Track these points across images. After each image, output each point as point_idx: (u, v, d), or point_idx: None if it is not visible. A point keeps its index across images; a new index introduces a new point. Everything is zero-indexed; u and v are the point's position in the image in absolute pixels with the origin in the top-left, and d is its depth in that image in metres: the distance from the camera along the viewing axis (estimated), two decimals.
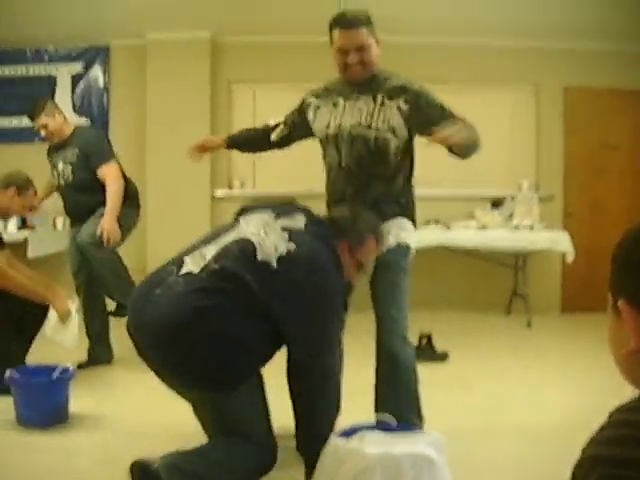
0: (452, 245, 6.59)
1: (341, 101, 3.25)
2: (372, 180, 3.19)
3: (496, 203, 7.19)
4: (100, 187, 4.86)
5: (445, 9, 6.51)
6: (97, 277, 4.90)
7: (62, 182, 5.02)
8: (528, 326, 6.72)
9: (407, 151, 3.27)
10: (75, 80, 7.51)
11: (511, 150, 7.53)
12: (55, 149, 5.08)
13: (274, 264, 2.61)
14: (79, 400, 4.01)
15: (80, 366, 4.70)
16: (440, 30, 7.03)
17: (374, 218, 3.01)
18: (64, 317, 4.10)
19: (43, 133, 5.05)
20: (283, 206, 2.93)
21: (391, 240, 3.17)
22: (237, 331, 2.59)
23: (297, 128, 3.48)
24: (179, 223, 6.84)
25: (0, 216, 4.89)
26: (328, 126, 3.25)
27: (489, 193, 7.31)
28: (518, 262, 7.35)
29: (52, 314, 4.13)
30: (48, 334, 4.14)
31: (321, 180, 3.44)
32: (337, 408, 2.79)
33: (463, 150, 3.08)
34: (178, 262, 2.72)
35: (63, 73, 7.59)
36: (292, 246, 2.66)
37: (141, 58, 7.39)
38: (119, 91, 7.61)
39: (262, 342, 2.68)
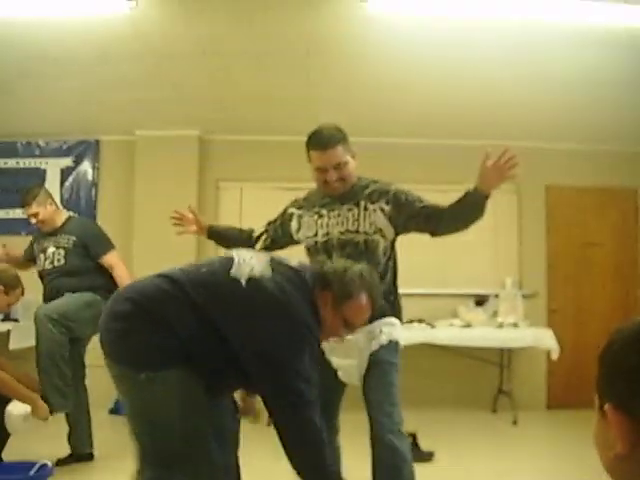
0: (436, 343, 6.58)
1: (324, 212, 3.34)
2: None
3: (480, 301, 7.23)
4: (89, 272, 4.94)
5: (428, 109, 6.66)
6: (37, 355, 4.69)
7: (49, 266, 4.98)
8: (514, 424, 6.66)
9: (392, 252, 3.35)
10: (64, 174, 7.60)
11: (494, 248, 7.61)
12: (45, 235, 5.08)
13: (243, 282, 2.55)
14: None
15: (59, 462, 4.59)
16: (423, 131, 7.20)
17: (370, 276, 2.82)
18: (43, 418, 4.14)
19: (33, 221, 5.07)
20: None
21: (383, 338, 3.20)
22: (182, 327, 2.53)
23: (279, 240, 3.59)
24: None
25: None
26: (316, 234, 3.34)
27: (473, 291, 7.35)
28: (503, 359, 7.34)
29: (12, 408, 4.13)
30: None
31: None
32: (316, 443, 2.62)
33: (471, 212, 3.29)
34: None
35: (53, 166, 7.68)
36: (268, 274, 2.59)
37: (130, 153, 7.50)
38: (107, 185, 7.70)
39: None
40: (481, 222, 7.60)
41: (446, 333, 6.72)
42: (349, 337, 3.19)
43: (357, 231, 3.25)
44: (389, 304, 3.29)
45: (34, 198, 5.02)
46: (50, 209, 5.07)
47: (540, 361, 7.36)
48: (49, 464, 3.89)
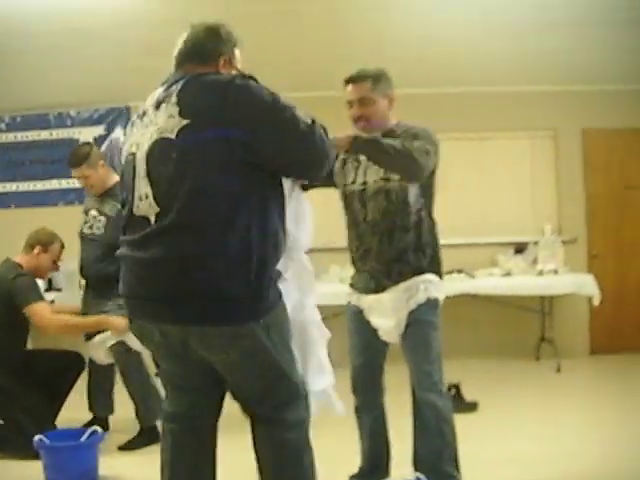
0: (477, 293, 6.55)
1: (362, 157, 3.25)
2: (396, 231, 3.19)
3: (519, 249, 7.17)
4: None
5: (463, 59, 6.56)
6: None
7: (87, 230, 4.71)
8: (557, 371, 6.65)
9: (426, 201, 3.26)
10: (97, 142, 7.61)
11: (532, 195, 7.53)
12: (93, 195, 4.82)
13: (173, 136, 2.29)
14: (108, 463, 4.01)
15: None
16: (458, 80, 7.10)
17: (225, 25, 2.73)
18: (123, 331, 4.17)
19: (82, 183, 4.76)
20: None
21: (421, 296, 3.17)
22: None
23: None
24: None
25: (37, 277, 4.62)
26: (354, 182, 3.29)
27: (512, 239, 7.28)
28: (544, 307, 7.30)
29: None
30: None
31: (340, 233, 3.46)
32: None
33: (382, 158, 3.02)
34: None
35: (86, 135, 7.70)
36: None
37: None
38: None
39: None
40: (518, 168, 7.61)
41: (486, 283, 6.70)
42: (385, 297, 3.20)
43: (388, 179, 3.18)
44: (426, 258, 3.24)
45: (85, 159, 4.63)
46: (102, 171, 4.70)
47: (582, 307, 7.30)
48: (99, 430, 3.94)
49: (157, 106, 2.39)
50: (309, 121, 2.35)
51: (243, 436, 2.58)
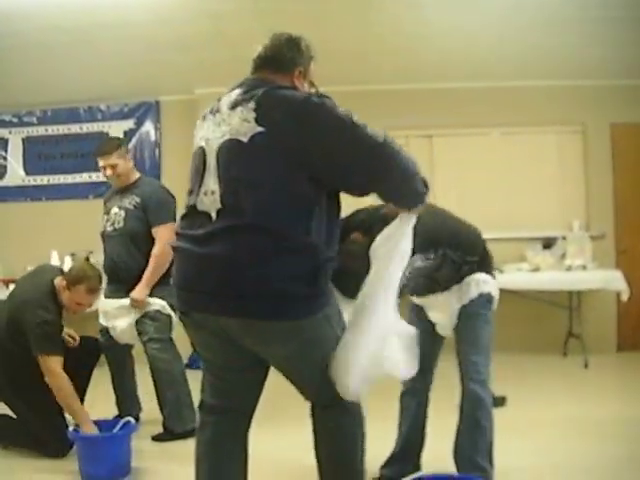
0: (505, 288, 6.52)
1: None
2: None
3: (547, 244, 7.15)
4: (149, 245, 4.66)
5: (490, 54, 6.55)
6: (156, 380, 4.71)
7: (109, 228, 4.77)
8: (585, 367, 6.64)
9: None
10: (127, 136, 7.70)
11: (560, 190, 7.51)
12: (114, 193, 4.89)
13: (246, 140, 2.37)
14: (141, 454, 4.07)
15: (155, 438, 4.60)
16: (486, 74, 7.09)
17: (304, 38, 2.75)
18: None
19: (109, 173, 4.76)
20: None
21: (473, 291, 3.26)
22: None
23: None
24: None
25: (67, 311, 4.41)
26: None
27: (540, 234, 7.27)
28: (572, 302, 7.28)
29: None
30: None
31: None
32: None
33: None
34: None
35: (116, 129, 7.80)
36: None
37: (191, 112, 7.52)
38: (170, 145, 7.79)
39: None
40: (546, 163, 7.57)
41: (514, 278, 6.69)
42: (440, 296, 3.31)
43: None
44: (476, 261, 3.31)
45: (117, 148, 4.77)
46: (129, 164, 4.84)
47: (610, 303, 7.27)
48: (132, 421, 4.00)
49: (233, 107, 2.45)
50: (381, 139, 2.37)
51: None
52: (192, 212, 2.50)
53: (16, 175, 7.98)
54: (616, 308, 7.33)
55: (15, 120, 7.98)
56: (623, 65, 6.95)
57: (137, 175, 4.92)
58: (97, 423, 4.03)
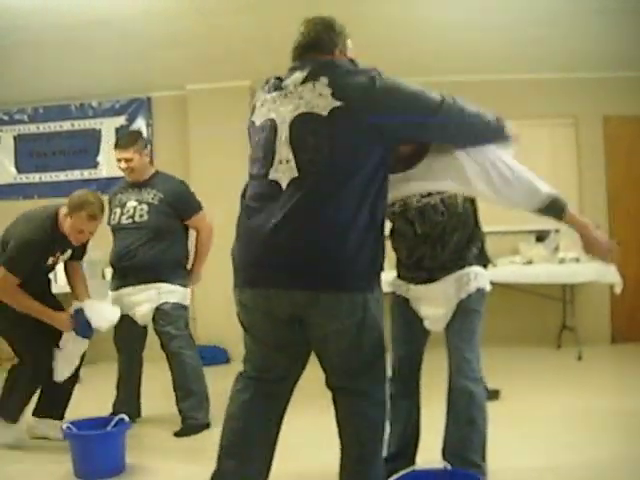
0: (499, 281, 6.53)
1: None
2: (446, 235, 3.25)
3: (540, 237, 7.15)
4: (173, 234, 4.80)
5: (481, 47, 6.55)
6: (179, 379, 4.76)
7: (126, 221, 4.79)
8: (579, 359, 6.65)
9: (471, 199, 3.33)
10: (119, 132, 7.66)
11: (554, 182, 7.32)
12: (128, 187, 4.91)
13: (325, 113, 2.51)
14: (135, 452, 4.05)
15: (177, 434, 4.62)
16: (478, 67, 7.09)
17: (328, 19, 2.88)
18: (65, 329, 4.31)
19: (123, 166, 4.81)
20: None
21: (472, 285, 3.23)
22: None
23: None
24: (225, 269, 6.87)
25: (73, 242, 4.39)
26: (392, 205, 3.25)
27: (533, 227, 7.26)
28: (566, 295, 7.30)
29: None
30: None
31: None
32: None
33: None
34: None
35: (107, 126, 7.78)
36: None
37: (182, 108, 7.55)
38: (162, 141, 7.76)
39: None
40: (539, 156, 7.57)
41: (508, 271, 6.69)
42: (437, 286, 3.26)
43: (429, 193, 3.22)
44: (477, 250, 3.31)
45: (134, 143, 4.83)
46: (145, 159, 4.89)
47: (603, 295, 7.29)
48: (126, 418, 3.98)
49: (303, 82, 2.58)
50: (439, 98, 2.60)
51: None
52: (261, 181, 2.60)
53: (7, 173, 7.95)
54: (609, 300, 7.35)
55: (6, 118, 7.95)
56: (615, 57, 6.96)
57: (153, 170, 4.99)
58: (91, 421, 4.03)
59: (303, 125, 2.51)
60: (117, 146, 4.89)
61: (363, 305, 2.52)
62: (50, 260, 4.35)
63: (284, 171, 2.50)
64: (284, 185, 2.49)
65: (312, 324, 2.57)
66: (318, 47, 2.71)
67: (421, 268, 3.30)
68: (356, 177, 2.46)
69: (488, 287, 3.33)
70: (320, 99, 2.50)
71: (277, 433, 2.76)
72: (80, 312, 4.37)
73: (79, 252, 4.58)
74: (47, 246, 4.25)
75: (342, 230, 2.44)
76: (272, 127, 2.59)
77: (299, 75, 2.60)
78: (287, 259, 2.48)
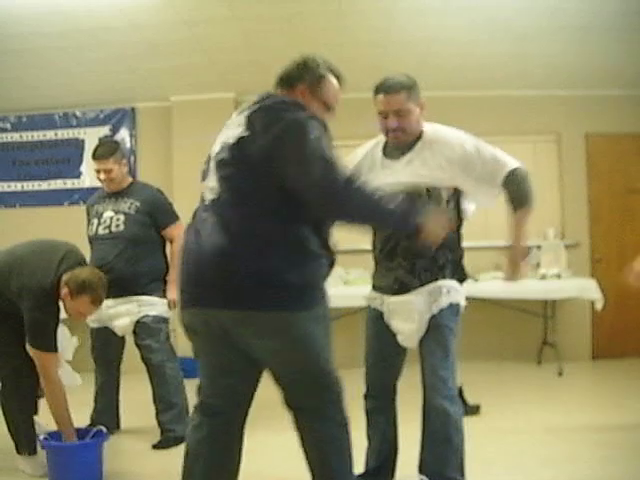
0: (480, 297, 6.56)
1: (390, 163, 3.31)
2: None
3: None
4: (149, 243, 4.75)
5: (465, 63, 6.58)
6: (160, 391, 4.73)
7: (103, 231, 4.74)
8: (560, 375, 6.67)
9: (455, 201, 3.32)
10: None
11: (535, 199, 7.53)
12: (105, 197, 4.88)
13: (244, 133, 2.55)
14: (113, 463, 4.03)
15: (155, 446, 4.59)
16: (460, 83, 7.13)
17: (321, 60, 2.84)
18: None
19: (102, 177, 4.79)
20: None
21: (444, 301, 3.19)
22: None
23: None
24: None
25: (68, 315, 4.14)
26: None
27: None
28: (547, 310, 7.33)
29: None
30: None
31: (344, 236, 3.46)
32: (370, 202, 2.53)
33: None
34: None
35: (91, 136, 7.74)
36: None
37: (166, 119, 7.55)
38: (146, 152, 7.76)
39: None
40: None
41: (489, 286, 6.68)
42: (410, 299, 3.21)
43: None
44: (452, 264, 3.26)
45: (112, 153, 4.80)
46: (124, 169, 4.89)
47: (584, 311, 7.32)
48: (104, 430, 3.95)
49: (238, 114, 2.69)
50: (343, 179, 2.43)
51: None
52: (199, 207, 2.70)
53: None
54: (590, 317, 7.37)
55: None
56: (598, 75, 7.02)
57: (129, 180, 4.98)
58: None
59: (222, 152, 2.61)
60: (95, 157, 4.85)
61: (293, 323, 2.48)
62: None
63: (210, 193, 2.62)
64: (208, 205, 2.61)
65: (247, 344, 2.56)
66: (281, 81, 2.80)
67: (393, 264, 3.24)
68: (266, 201, 2.48)
69: (463, 303, 3.28)
70: (237, 129, 2.58)
71: (239, 460, 2.75)
72: None
73: None
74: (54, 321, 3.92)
75: (263, 251, 2.44)
76: (208, 157, 2.76)
77: (243, 108, 2.69)
78: (212, 278, 2.48)
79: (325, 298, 2.60)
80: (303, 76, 2.76)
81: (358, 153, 3.50)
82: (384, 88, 3.21)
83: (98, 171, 4.82)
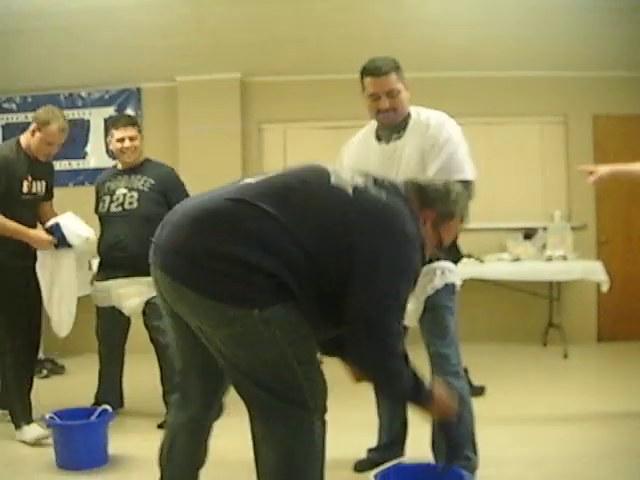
0: (486, 278, 6.56)
1: (385, 146, 3.33)
2: None
3: (528, 234, 7.17)
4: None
5: (473, 44, 6.55)
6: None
7: (116, 209, 4.68)
8: (565, 357, 6.67)
9: None
10: (108, 123, 7.62)
11: (542, 181, 7.52)
12: (117, 175, 4.81)
13: (350, 191, 2.26)
14: (118, 443, 4.04)
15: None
16: (468, 64, 7.09)
17: (465, 195, 2.65)
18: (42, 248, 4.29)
19: (127, 145, 4.68)
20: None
21: (438, 281, 3.20)
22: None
23: None
24: None
25: (33, 156, 4.40)
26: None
27: (521, 224, 7.29)
28: (553, 292, 7.31)
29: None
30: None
31: None
32: (401, 375, 2.29)
33: None
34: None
35: (96, 116, 7.72)
36: (370, 183, 2.32)
37: (172, 99, 7.52)
38: (151, 133, 7.69)
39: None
40: (528, 154, 7.57)
41: (495, 268, 6.70)
42: None
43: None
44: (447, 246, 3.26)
45: (135, 122, 4.83)
46: (142, 142, 4.83)
47: (590, 293, 7.30)
48: (109, 409, 3.97)
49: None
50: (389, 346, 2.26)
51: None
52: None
53: None
54: (596, 299, 7.36)
55: None
56: (606, 56, 6.97)
57: (144, 156, 4.89)
58: (74, 411, 4.01)
59: (338, 178, 2.36)
60: (118, 125, 4.78)
61: (237, 320, 2.16)
62: (25, 186, 4.32)
63: (254, 179, 2.49)
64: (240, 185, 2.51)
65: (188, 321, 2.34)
66: (418, 194, 2.47)
67: None
68: (308, 262, 2.18)
69: (458, 282, 3.31)
70: (360, 179, 2.36)
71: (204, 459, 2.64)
72: (56, 226, 4.37)
73: (50, 189, 4.67)
74: (15, 163, 4.26)
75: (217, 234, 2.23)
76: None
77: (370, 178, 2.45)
78: (169, 245, 2.35)
79: (281, 305, 2.19)
80: (436, 203, 2.47)
81: (351, 145, 3.53)
82: (374, 70, 3.25)
83: (122, 140, 4.71)
